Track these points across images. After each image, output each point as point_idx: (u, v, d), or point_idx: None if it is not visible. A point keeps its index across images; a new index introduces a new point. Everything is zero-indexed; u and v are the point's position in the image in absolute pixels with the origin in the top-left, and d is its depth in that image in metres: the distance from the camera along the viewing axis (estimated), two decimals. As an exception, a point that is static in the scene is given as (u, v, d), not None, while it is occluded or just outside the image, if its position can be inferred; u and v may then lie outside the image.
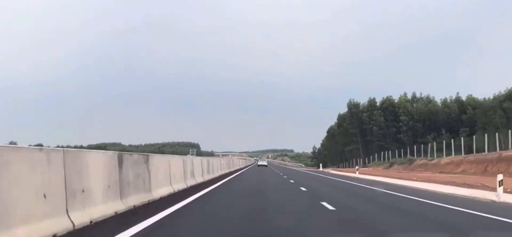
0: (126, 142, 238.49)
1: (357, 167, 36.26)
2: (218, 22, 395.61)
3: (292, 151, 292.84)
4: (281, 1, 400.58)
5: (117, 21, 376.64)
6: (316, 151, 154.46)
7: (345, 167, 78.24)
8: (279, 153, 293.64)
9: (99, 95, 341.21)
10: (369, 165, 65.81)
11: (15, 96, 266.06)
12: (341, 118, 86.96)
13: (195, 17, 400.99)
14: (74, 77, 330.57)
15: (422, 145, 54.42)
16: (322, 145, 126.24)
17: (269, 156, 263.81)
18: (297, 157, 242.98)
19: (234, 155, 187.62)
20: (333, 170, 61.56)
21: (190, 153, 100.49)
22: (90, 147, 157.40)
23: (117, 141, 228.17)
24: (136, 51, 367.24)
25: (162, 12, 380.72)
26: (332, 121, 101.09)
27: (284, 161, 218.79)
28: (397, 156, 60.57)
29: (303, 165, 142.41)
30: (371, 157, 71.69)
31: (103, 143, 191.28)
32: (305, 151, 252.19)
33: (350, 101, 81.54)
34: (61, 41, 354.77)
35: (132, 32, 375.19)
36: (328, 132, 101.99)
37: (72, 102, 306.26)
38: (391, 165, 53.22)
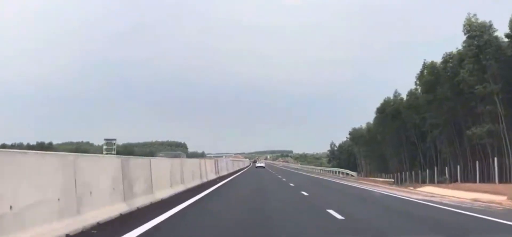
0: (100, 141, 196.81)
1: None
2: (215, 22, 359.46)
3: (291, 152, 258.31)
4: (276, 3, 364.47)
5: (112, 24, 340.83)
6: (336, 149, 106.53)
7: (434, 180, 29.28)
8: (279, 154, 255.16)
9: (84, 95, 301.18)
10: None
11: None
12: (436, 72, 37.52)
13: (192, 17, 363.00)
14: (57, 77, 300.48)
15: None
16: (353, 138, 77.17)
17: (268, 157, 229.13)
18: (302, 158, 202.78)
19: (228, 156, 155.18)
20: None
21: (105, 149, 46.64)
22: (29, 147, 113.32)
23: (86, 140, 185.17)
24: (131, 51, 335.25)
25: (156, 15, 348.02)
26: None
27: (288, 162, 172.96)
28: None
29: (354, 175, 62.68)
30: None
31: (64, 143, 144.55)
32: (306, 152, 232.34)
33: (468, 21, 32.48)
34: (56, 41, 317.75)
35: (128, 34, 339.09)
36: (381, 110, 52.89)
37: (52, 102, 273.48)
38: None
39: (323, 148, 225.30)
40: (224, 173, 26.27)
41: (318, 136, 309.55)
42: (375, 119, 56.08)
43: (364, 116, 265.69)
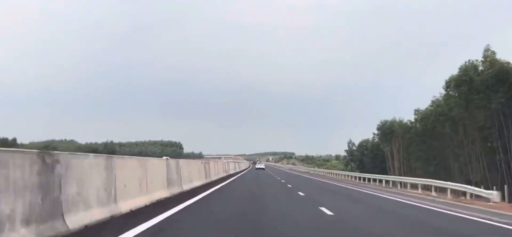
0: (89, 140, 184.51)
1: None
2: (215, 22, 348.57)
3: (294, 153, 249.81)
4: (276, 3, 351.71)
5: (111, 25, 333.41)
6: (355, 148, 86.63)
7: None
8: (282, 156, 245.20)
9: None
10: None
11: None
12: None
13: (192, 17, 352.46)
14: (57, 78, 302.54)
15: None
16: (383, 134, 57.35)
17: (270, 159, 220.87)
18: (309, 159, 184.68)
19: (228, 158, 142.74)
20: None
21: None
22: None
23: (70, 138, 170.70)
24: (131, 51, 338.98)
25: (155, 16, 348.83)
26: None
27: (294, 164, 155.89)
28: None
29: None
30: None
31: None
32: (309, 154, 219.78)
33: None
34: (59, 43, 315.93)
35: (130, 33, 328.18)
36: (459, 83, 32.75)
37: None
38: None
39: (326, 149, 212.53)
40: (172, 191, 7.95)
41: (320, 137, 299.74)
42: (444, 98, 35.95)
43: (366, 117, 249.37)
